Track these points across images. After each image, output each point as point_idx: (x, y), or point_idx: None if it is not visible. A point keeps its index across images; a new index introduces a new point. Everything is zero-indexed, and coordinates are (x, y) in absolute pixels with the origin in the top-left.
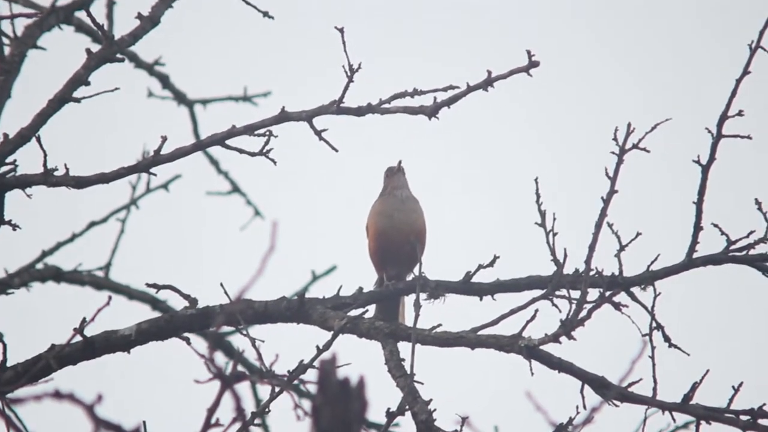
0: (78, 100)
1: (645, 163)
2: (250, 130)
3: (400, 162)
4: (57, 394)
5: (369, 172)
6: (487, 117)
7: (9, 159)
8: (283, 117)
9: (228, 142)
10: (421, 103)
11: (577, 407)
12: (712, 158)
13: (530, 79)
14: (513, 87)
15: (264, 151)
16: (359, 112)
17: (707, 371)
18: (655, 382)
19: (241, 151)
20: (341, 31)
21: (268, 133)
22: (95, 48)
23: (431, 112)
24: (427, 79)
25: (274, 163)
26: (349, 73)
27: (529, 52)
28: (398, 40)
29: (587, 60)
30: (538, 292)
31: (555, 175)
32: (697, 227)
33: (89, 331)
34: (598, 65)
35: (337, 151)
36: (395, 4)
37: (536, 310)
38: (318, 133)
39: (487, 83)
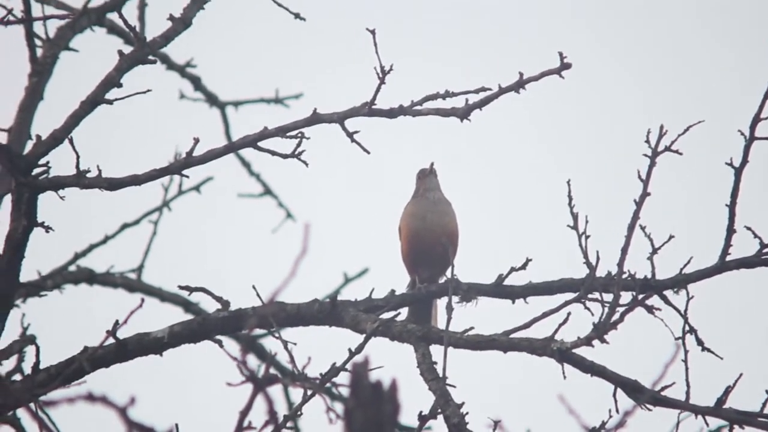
0: (110, 102)
1: (678, 166)
2: (282, 131)
3: (432, 164)
4: (90, 397)
5: (401, 174)
6: (520, 119)
7: (42, 161)
8: (315, 119)
9: (260, 143)
10: (452, 104)
11: (610, 411)
12: (744, 161)
13: (563, 80)
14: (545, 89)
15: (296, 153)
16: (391, 114)
17: (740, 375)
18: (688, 385)
19: (273, 153)
20: (373, 32)
21: (300, 135)
22: (127, 50)
23: (463, 114)
24: (454, 80)
25: (306, 165)
26: (380, 75)
27: (561, 54)
28: (427, 42)
29: (620, 61)
30: (570, 295)
31: (588, 178)
32: (730, 230)
33: (122, 334)
34: (630, 67)
35: (368, 153)
36: (425, 7)
37: (569, 313)
38: (350, 135)
39: (519, 85)
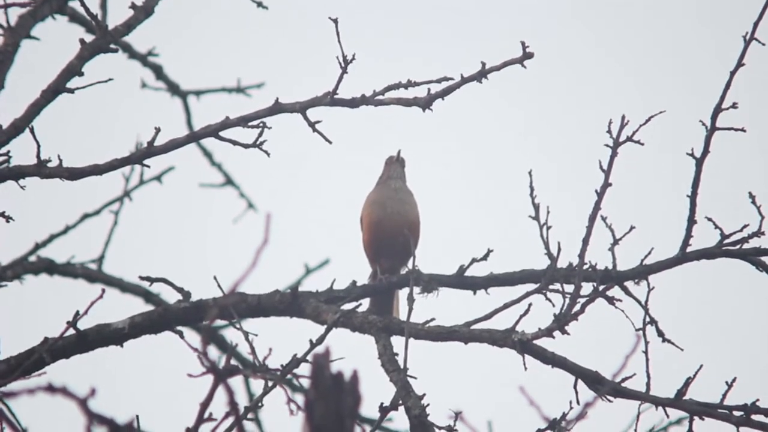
0: (71, 91)
1: (639, 156)
2: (243, 121)
3: (399, 152)
4: (50, 388)
5: (363, 164)
6: (482, 110)
7: (2, 150)
8: (277, 108)
9: (222, 133)
10: (415, 94)
11: (571, 402)
12: (706, 151)
13: (524, 71)
14: (507, 79)
15: (257, 142)
16: (353, 103)
17: (701, 366)
18: (648, 377)
19: (234, 142)
20: (335, 21)
21: (261, 124)
22: (89, 38)
23: (425, 103)
24: (422, 71)
25: (268, 154)
26: (343, 65)
27: (523, 44)
28: (393, 31)
29: (581, 52)
30: (531, 286)
31: (549, 168)
32: (691, 221)
33: (82, 325)
34: (591, 58)
35: (330, 143)
36: None
37: (530, 305)
38: (312, 124)
39: (481, 75)
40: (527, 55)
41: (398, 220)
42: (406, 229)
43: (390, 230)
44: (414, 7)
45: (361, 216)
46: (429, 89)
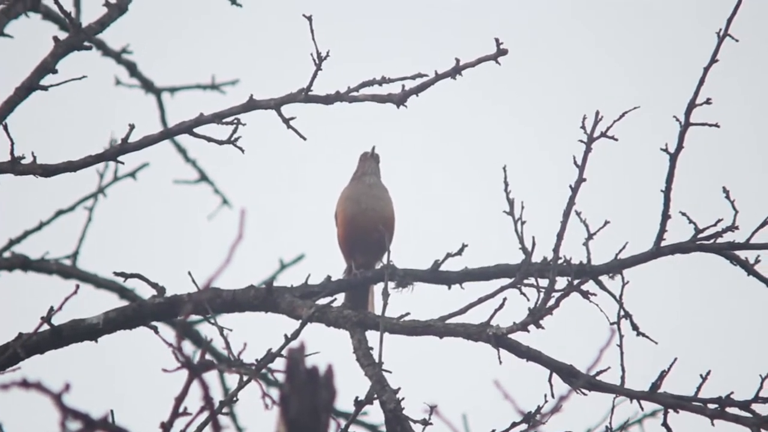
0: (45, 88)
1: (613, 152)
2: (217, 118)
3: (373, 148)
4: (24, 383)
5: (337, 160)
6: (456, 105)
7: None
8: (251, 105)
9: (196, 130)
10: (389, 91)
11: (546, 396)
12: (680, 147)
13: (499, 67)
14: (481, 76)
15: (232, 139)
16: (327, 100)
17: (675, 360)
18: (623, 370)
19: (209, 139)
20: (309, 18)
21: (236, 121)
22: (62, 36)
23: (399, 100)
24: (398, 68)
25: (242, 151)
26: (317, 61)
27: (497, 40)
28: (368, 28)
29: (555, 48)
30: (506, 281)
31: (523, 164)
32: (665, 216)
33: (57, 320)
34: (566, 53)
35: (305, 139)
36: None
37: (504, 299)
38: (286, 121)
39: (456, 71)
40: (501, 52)
41: (372, 216)
42: (380, 225)
43: (364, 226)
44: (392, 4)
45: (336, 212)
46: (403, 86)
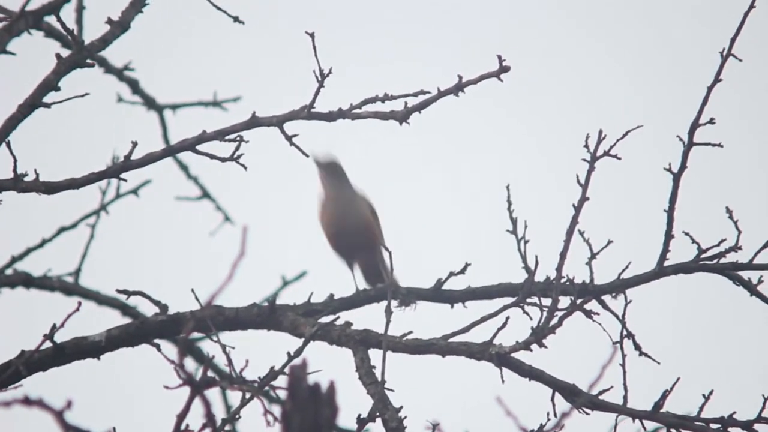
0: (48, 106)
1: (617, 171)
2: (220, 135)
3: (316, 159)
4: (26, 401)
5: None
6: (459, 122)
7: None
8: (254, 122)
9: (198, 147)
10: (392, 108)
11: (548, 414)
12: (683, 166)
13: (501, 83)
14: (484, 92)
15: (235, 156)
16: (330, 117)
17: (678, 379)
18: (625, 389)
19: (211, 156)
20: (312, 35)
21: (238, 138)
22: (65, 53)
23: (402, 117)
24: (401, 80)
25: (245, 168)
26: (319, 78)
27: (500, 57)
28: (372, 42)
29: (559, 65)
30: (509, 300)
31: (527, 182)
32: (668, 235)
33: (59, 337)
34: (569, 71)
35: (308, 156)
36: (368, 7)
37: (507, 318)
38: (289, 138)
39: (458, 88)
40: (504, 69)
41: (344, 236)
42: (359, 237)
43: (343, 245)
44: (394, 14)
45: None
46: (406, 102)
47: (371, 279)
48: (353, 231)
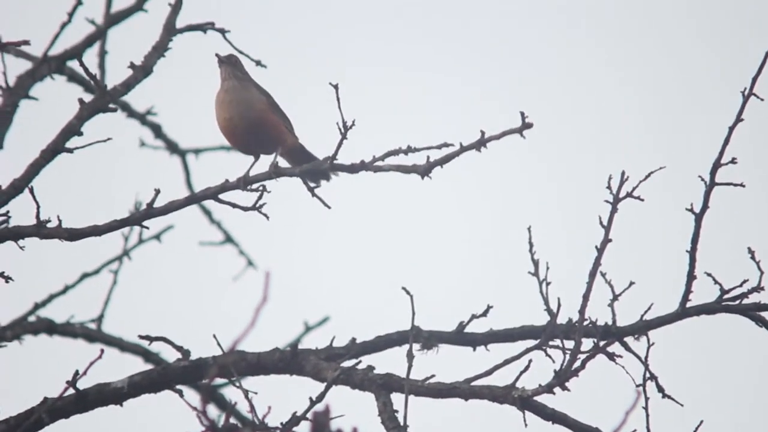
0: (71, 151)
1: (639, 212)
2: (243, 184)
3: (222, 55)
4: None
5: (361, 226)
6: (481, 164)
7: (2, 210)
8: (276, 172)
9: (221, 196)
10: (414, 161)
11: None
12: (705, 206)
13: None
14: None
15: (257, 205)
16: (352, 169)
17: (701, 422)
18: None
19: (234, 205)
20: (336, 87)
21: (261, 188)
22: (88, 98)
23: (424, 171)
24: (418, 131)
25: (267, 218)
26: (342, 130)
27: (522, 114)
28: (391, 93)
29: (581, 107)
30: (531, 342)
31: (548, 224)
32: (691, 276)
33: (82, 384)
34: (592, 113)
35: (329, 207)
36: (389, 58)
37: (530, 361)
38: (311, 189)
39: (480, 144)
40: (526, 126)
41: (238, 123)
42: (252, 129)
43: (237, 133)
44: (413, 56)
45: None
46: (428, 157)
47: (299, 161)
48: (246, 123)
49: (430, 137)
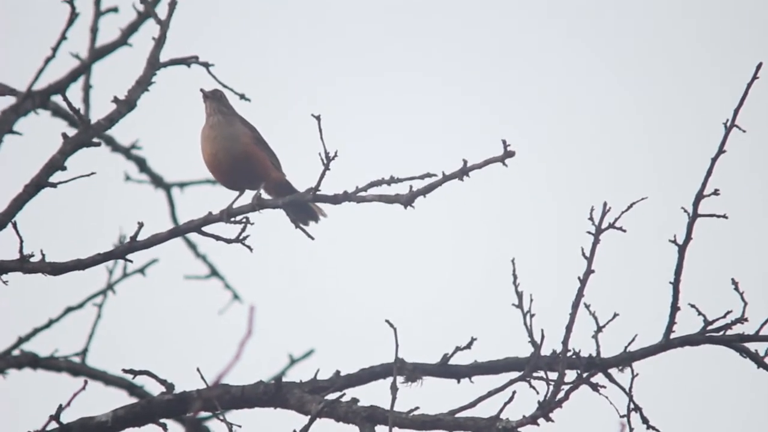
0: (54, 185)
1: (621, 243)
2: (226, 217)
3: (206, 90)
4: None
5: (346, 257)
6: (464, 195)
7: None
8: (260, 204)
9: (204, 228)
10: (396, 191)
11: None
12: (688, 238)
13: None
14: (489, 166)
15: (240, 238)
16: (335, 200)
17: None
18: None
19: (217, 237)
20: (318, 118)
21: (244, 220)
22: (71, 132)
23: (407, 201)
24: (400, 161)
25: (251, 249)
26: (325, 161)
27: (504, 142)
28: (374, 122)
29: (563, 138)
30: (515, 374)
31: (532, 256)
32: (674, 307)
33: (65, 418)
34: (573, 144)
35: (313, 239)
36: (370, 88)
37: (514, 392)
38: (294, 221)
39: (463, 173)
40: (508, 154)
41: (223, 158)
42: (238, 164)
43: (223, 169)
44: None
45: None
46: (411, 186)
47: (283, 194)
48: (231, 158)
49: (413, 163)
